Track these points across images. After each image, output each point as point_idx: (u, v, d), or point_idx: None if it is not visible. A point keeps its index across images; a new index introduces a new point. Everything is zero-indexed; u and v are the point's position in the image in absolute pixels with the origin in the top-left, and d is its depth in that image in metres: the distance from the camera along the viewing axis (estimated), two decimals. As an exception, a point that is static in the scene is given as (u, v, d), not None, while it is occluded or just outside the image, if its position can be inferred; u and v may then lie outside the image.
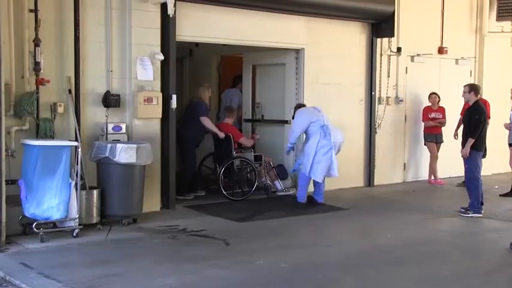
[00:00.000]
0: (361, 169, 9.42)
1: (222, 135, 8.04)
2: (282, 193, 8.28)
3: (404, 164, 9.93)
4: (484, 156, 7.64)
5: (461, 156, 7.41)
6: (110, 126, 6.83)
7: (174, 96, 7.26)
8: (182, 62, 10.40)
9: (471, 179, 7.41)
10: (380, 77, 9.47)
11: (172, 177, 7.34)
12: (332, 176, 7.92)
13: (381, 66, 9.46)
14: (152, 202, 7.12)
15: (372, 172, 9.42)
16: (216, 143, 8.37)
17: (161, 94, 7.13)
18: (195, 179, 8.11)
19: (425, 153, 9.90)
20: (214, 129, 8.07)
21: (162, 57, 7.11)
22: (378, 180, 9.43)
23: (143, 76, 7.04)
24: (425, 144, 9.85)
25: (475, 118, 7.35)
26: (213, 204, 7.77)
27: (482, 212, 7.43)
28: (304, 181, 7.92)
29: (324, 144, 7.71)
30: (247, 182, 8.21)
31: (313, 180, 7.89)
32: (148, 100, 6.98)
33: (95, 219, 6.26)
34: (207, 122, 8.10)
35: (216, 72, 10.42)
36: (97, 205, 6.26)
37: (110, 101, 6.80)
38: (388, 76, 9.57)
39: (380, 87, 9.46)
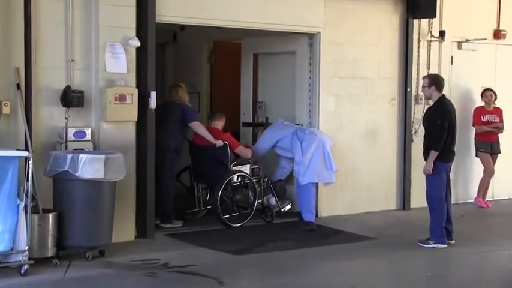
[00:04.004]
0: (393, 187, 9.42)
1: (220, 143, 8.06)
2: (276, 209, 8.40)
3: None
4: (451, 160, 7.45)
5: (424, 172, 7.35)
6: (71, 132, 6.81)
7: (154, 94, 7.24)
8: (164, 49, 10.39)
9: (433, 198, 7.36)
10: (417, 69, 9.46)
11: (151, 197, 7.32)
12: (328, 182, 8.18)
13: (418, 56, 9.46)
14: (125, 229, 7.10)
15: (407, 191, 9.42)
16: (195, 154, 8.37)
17: (137, 91, 7.12)
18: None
19: (477, 166, 9.86)
20: (209, 137, 8.07)
21: (139, 44, 7.11)
22: (415, 201, 9.38)
23: (114, 67, 7.03)
24: (477, 156, 9.82)
25: (437, 124, 7.23)
26: (202, 232, 7.77)
27: (453, 241, 7.38)
28: (305, 193, 8.03)
29: (309, 143, 8.06)
30: (246, 202, 8.24)
31: (299, 193, 8.15)
32: (121, 98, 6.96)
33: (50, 251, 6.23)
34: (201, 129, 8.11)
35: (207, 63, 10.42)
36: (53, 233, 6.22)
37: (71, 99, 6.78)
38: (428, 68, 9.54)
39: (417, 83, 9.43)
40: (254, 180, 8.29)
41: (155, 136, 7.37)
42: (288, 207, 8.58)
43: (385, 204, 9.29)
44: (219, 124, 8.44)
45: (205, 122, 8.74)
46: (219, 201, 7.87)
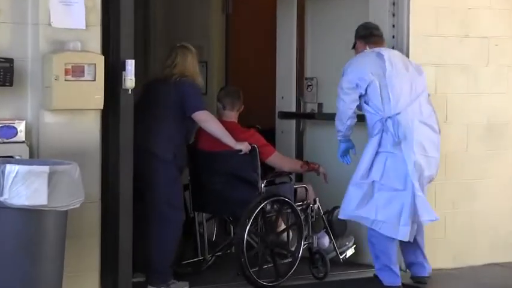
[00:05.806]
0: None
1: (245, 147, 8.09)
2: (331, 255, 8.51)
3: None
4: None
5: None
6: (-6, 128, 6.93)
7: (131, 64, 7.27)
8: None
9: None
10: None
11: (126, 237, 7.38)
12: (424, 221, 8.06)
13: None
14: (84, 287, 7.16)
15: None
16: (199, 166, 8.49)
17: (103, 58, 7.18)
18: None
19: None
20: (228, 137, 8.10)
21: (105, -17, 7.18)
22: None
23: (64, 21, 7.11)
24: None
25: None
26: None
27: None
28: (382, 240, 8.01)
29: (387, 148, 7.94)
30: (285, 246, 8.32)
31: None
32: (76, 71, 7.00)
33: (-40, 326, 6.27)
34: (211, 123, 8.11)
35: (220, 15, 10.66)
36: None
37: (-7, 73, 6.88)
38: None
39: None
40: (299, 208, 8.29)
41: (137, 137, 7.47)
42: (351, 251, 8.64)
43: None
44: (234, 115, 8.53)
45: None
46: (244, 245, 7.86)
